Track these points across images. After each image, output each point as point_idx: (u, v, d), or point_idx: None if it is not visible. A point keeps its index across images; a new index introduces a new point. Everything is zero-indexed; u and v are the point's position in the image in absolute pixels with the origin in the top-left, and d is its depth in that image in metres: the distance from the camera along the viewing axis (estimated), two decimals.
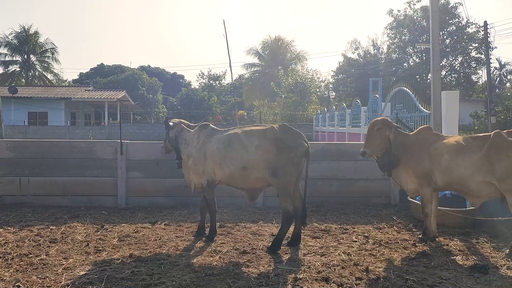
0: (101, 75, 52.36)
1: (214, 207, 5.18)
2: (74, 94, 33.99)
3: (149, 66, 64.92)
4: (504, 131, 4.64)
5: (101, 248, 4.75)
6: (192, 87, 62.04)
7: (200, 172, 5.06)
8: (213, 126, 5.27)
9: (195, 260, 4.32)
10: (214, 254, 4.53)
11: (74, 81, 55.75)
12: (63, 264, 4.20)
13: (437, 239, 5.07)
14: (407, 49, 38.57)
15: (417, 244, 4.93)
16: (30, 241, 4.96)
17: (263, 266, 4.17)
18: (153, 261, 4.27)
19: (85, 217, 6.25)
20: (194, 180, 5.23)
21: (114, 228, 5.64)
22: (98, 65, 58.66)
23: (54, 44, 45.67)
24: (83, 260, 4.33)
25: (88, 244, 4.89)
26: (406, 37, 38.31)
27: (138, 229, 5.58)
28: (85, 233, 5.39)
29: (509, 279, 3.86)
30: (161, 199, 7.07)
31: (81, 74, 58.27)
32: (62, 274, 3.94)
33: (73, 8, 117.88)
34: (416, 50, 37.55)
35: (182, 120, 5.62)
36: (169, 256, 4.46)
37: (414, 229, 5.63)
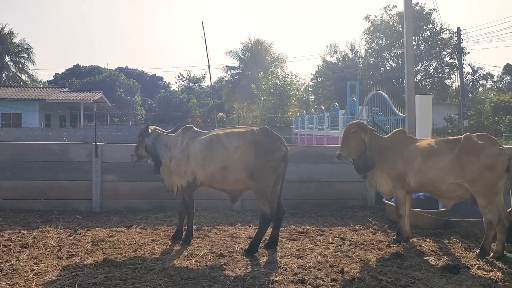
0: (77, 76, 51.45)
1: (192, 209, 5.17)
2: (49, 95, 33.27)
3: (127, 67, 64.11)
4: (474, 134, 4.77)
5: (73, 253, 4.65)
6: (171, 89, 61.59)
7: (182, 173, 5.05)
8: (196, 129, 5.29)
9: (170, 264, 4.28)
10: (191, 258, 4.50)
11: (49, 82, 54.59)
12: (34, 270, 4.09)
13: (410, 240, 5.16)
14: (384, 54, 39.30)
15: (391, 245, 5.01)
16: (0, 246, 4.82)
17: (240, 269, 4.16)
18: (127, 266, 4.20)
19: (58, 221, 6.11)
20: (176, 182, 5.20)
21: (88, 232, 5.53)
22: (74, 66, 57.68)
23: (29, 45, 44.66)
24: (55, 265, 4.23)
25: (60, 249, 4.78)
26: (383, 42, 39.06)
27: (112, 233, 5.49)
28: (58, 237, 5.27)
29: (479, 279, 3.96)
30: (137, 202, 6.98)
31: (56, 75, 57.15)
32: (33, 279, 3.84)
33: (49, 7, 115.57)
34: (392, 54, 38.29)
35: (156, 127, 5.59)
36: (144, 260, 4.40)
37: (389, 231, 5.72)
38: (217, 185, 5.01)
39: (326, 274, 4.03)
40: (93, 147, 6.95)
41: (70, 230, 5.61)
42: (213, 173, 4.85)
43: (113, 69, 56.49)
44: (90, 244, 5.00)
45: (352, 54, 43.14)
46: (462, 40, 31.36)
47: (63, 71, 57.60)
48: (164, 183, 5.37)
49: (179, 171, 5.06)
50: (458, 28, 31.47)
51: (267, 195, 4.68)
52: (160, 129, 5.58)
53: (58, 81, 52.44)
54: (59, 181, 6.92)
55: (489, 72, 53.86)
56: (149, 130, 5.43)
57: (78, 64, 57.67)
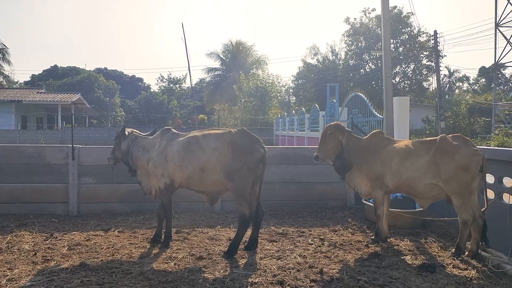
0: (54, 77, 50.48)
1: (170, 212, 5.13)
2: (25, 96, 32.51)
3: (106, 68, 63.28)
4: (450, 135, 4.86)
5: (49, 258, 4.54)
6: (152, 90, 60.99)
7: (159, 175, 5.00)
8: (175, 131, 5.25)
9: (149, 268, 4.23)
10: (169, 261, 4.45)
11: (26, 83, 53.41)
12: (7, 275, 3.98)
13: (388, 240, 5.23)
14: (363, 56, 39.85)
15: (369, 245, 5.07)
16: None
17: (219, 272, 4.14)
18: (105, 270, 4.13)
19: (34, 225, 5.97)
20: (154, 184, 5.15)
21: (64, 236, 5.42)
22: (51, 66, 56.59)
23: (5, 45, 43.52)
24: (29, 271, 4.13)
25: (35, 254, 4.67)
26: (362, 44, 39.59)
27: (90, 237, 5.39)
28: (33, 242, 5.15)
29: (454, 277, 4.04)
30: (115, 205, 6.87)
31: (33, 76, 55.94)
32: (6, 285, 3.74)
33: (26, 6, 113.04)
34: (372, 57, 38.86)
35: (133, 130, 5.53)
36: (122, 264, 4.34)
37: (367, 231, 5.78)
38: (196, 186, 4.98)
39: (305, 275, 4.05)
40: (69, 149, 6.82)
41: (46, 234, 5.48)
42: (191, 175, 4.83)
43: (92, 70, 55.68)
44: (66, 248, 4.90)
45: (332, 56, 43.59)
46: (439, 43, 32.05)
47: (40, 72, 56.51)
48: (142, 185, 5.31)
49: (157, 173, 5.02)
50: (435, 31, 32.21)
51: (245, 196, 4.68)
52: (137, 131, 5.52)
53: (35, 82, 51.40)
54: (35, 184, 6.77)
55: (465, 75, 55.34)
56: (126, 132, 5.37)
57: (55, 65, 56.61)
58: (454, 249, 4.75)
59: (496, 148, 7.09)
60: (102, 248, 4.90)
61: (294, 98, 48.17)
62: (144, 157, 5.15)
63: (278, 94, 39.22)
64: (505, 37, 30.74)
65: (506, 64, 32.27)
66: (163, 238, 5.12)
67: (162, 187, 5.02)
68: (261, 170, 4.80)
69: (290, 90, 47.78)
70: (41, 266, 4.29)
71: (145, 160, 5.14)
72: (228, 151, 4.63)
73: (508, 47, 30.70)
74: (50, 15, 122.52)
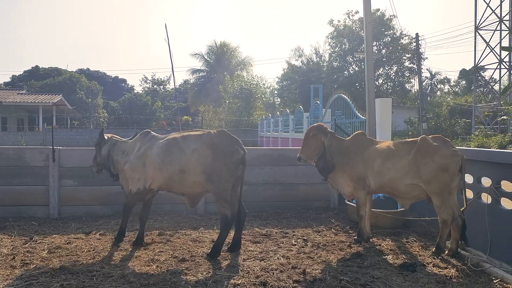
0: (36, 78, 49.60)
1: (129, 213, 5.16)
2: (5, 98, 31.88)
3: (88, 69, 62.48)
4: (430, 136, 4.94)
5: (28, 261, 4.46)
6: (135, 91, 60.46)
7: (135, 179, 4.97)
8: (154, 133, 5.21)
9: (130, 271, 4.18)
10: (151, 263, 4.41)
11: (6, 84, 52.38)
12: None
13: (371, 240, 5.28)
14: (347, 58, 40.24)
15: (352, 245, 5.11)
16: None
17: (202, 274, 4.12)
18: (85, 273, 4.07)
19: (13, 228, 5.85)
20: (127, 185, 5.12)
21: (44, 239, 5.33)
22: (32, 67, 55.67)
23: None
24: (7, 275, 4.04)
25: (14, 257, 4.57)
26: (346, 46, 39.98)
27: (70, 240, 5.31)
28: (12, 245, 5.04)
29: (434, 276, 4.10)
30: (97, 207, 6.78)
31: (13, 77, 54.96)
32: None
33: (6, 6, 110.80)
34: (355, 59, 39.27)
35: (113, 135, 5.49)
36: (103, 267, 4.28)
37: (350, 231, 5.83)
38: (176, 188, 4.95)
39: (288, 275, 4.06)
40: (50, 151, 6.71)
41: (25, 238, 5.38)
42: (171, 176, 4.80)
43: (74, 70, 54.87)
44: (46, 251, 4.81)
45: (316, 58, 43.91)
46: (420, 45, 32.60)
47: (21, 72, 55.58)
48: (124, 189, 5.27)
49: (133, 177, 4.99)
50: (417, 34, 32.76)
51: (226, 197, 4.67)
52: (117, 136, 5.47)
53: (16, 83, 50.48)
54: (14, 187, 6.63)
55: (446, 77, 56.31)
56: (106, 137, 5.32)
57: (37, 66, 55.73)
58: (434, 248, 4.82)
59: (475, 149, 7.23)
60: (83, 251, 4.83)
61: (278, 99, 48.35)
62: (123, 160, 5.11)
63: (263, 96, 39.32)
64: (485, 40, 31.38)
65: (486, 67, 32.93)
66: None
67: (134, 191, 4.99)
68: (241, 171, 4.80)
69: (275, 92, 47.92)
70: (20, 270, 4.20)
71: (125, 163, 5.10)
72: (208, 152, 4.63)
73: (488, 50, 31.35)
74: (31, 15, 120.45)
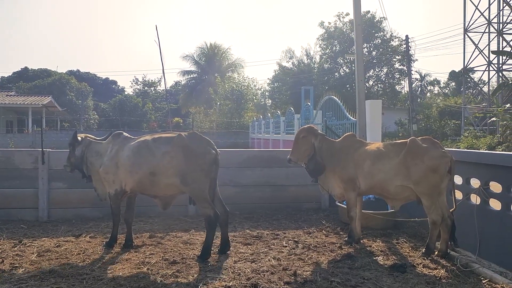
0: (25, 80, 49.12)
1: (118, 217, 5.13)
2: None
3: (78, 71, 62.04)
4: (419, 137, 4.99)
5: (17, 265, 4.41)
6: (126, 93, 60.13)
7: (110, 181, 4.96)
8: (127, 135, 5.20)
9: (121, 273, 4.15)
10: (142, 266, 4.39)
11: None
12: None
13: (361, 241, 5.31)
14: (338, 60, 40.44)
15: (343, 247, 5.13)
16: None
17: (193, 276, 4.11)
18: (75, 276, 4.04)
19: (2, 231, 5.78)
20: (105, 189, 5.12)
21: (34, 242, 5.28)
22: (22, 68, 55.14)
23: None
24: None
25: (3, 261, 4.52)
26: (337, 48, 40.19)
27: (60, 243, 5.26)
28: (0, 249, 4.98)
29: (424, 277, 4.13)
30: (87, 210, 6.73)
31: (2, 78, 54.35)
32: None
33: None
34: (346, 60, 39.49)
35: (87, 135, 5.47)
36: (93, 270, 4.24)
37: (341, 232, 5.85)
38: (148, 191, 4.93)
39: (279, 277, 4.06)
40: (39, 153, 6.64)
41: (14, 241, 5.32)
42: (141, 179, 4.78)
43: (64, 72, 54.45)
44: (35, 255, 4.76)
45: (307, 59, 44.07)
46: (410, 47, 32.87)
47: (10, 74, 54.99)
48: (98, 192, 5.24)
49: (108, 179, 4.97)
50: (406, 36, 33.02)
51: (206, 198, 4.67)
52: (92, 136, 5.44)
53: (5, 84, 49.91)
54: (3, 190, 6.55)
55: (436, 79, 56.83)
56: (79, 138, 5.29)
57: (26, 67, 55.19)
58: (424, 249, 4.86)
59: (464, 150, 7.32)
60: (72, 254, 4.79)
61: (270, 101, 48.39)
62: (98, 163, 5.09)
63: (254, 97, 39.33)
64: (474, 42, 31.76)
65: (475, 69, 33.32)
66: (109, 239, 5.17)
67: (112, 193, 4.98)
68: (215, 172, 4.80)
69: (266, 93, 47.95)
70: (9, 274, 4.15)
71: (99, 165, 5.08)
72: (180, 154, 4.62)
73: (476, 52, 31.73)
74: (20, 16, 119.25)
